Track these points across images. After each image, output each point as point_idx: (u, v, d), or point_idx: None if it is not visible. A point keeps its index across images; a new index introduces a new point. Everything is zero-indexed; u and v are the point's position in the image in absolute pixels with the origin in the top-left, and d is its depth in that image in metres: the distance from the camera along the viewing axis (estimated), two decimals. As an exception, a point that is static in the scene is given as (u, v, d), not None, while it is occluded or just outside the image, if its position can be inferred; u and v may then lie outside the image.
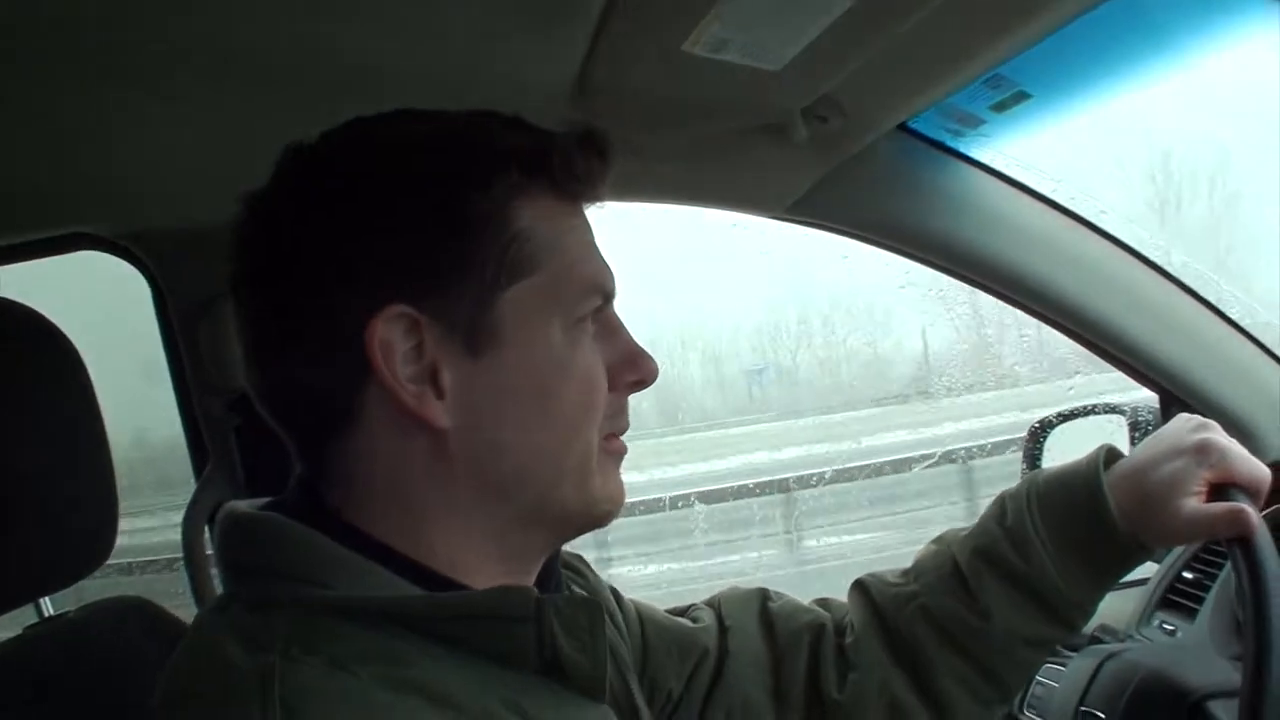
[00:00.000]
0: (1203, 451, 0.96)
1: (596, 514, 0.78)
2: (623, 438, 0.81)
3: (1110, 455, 1.01)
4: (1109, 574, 0.99)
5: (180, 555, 1.48)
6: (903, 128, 1.43)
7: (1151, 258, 1.56)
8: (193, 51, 0.98)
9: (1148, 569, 1.56)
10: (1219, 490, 0.95)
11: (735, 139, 1.29)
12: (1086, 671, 1.30)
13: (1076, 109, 1.41)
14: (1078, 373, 2.44)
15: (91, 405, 0.98)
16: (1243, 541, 0.92)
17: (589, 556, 1.03)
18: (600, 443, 0.77)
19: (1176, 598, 1.49)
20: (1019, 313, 1.59)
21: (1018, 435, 1.89)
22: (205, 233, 1.33)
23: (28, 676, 0.92)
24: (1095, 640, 1.47)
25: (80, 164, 1.22)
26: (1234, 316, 1.57)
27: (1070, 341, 1.60)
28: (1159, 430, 1.02)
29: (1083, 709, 1.27)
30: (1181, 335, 1.56)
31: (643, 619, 1.05)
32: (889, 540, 6.08)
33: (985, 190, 1.51)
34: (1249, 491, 0.94)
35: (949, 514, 6.07)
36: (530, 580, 0.78)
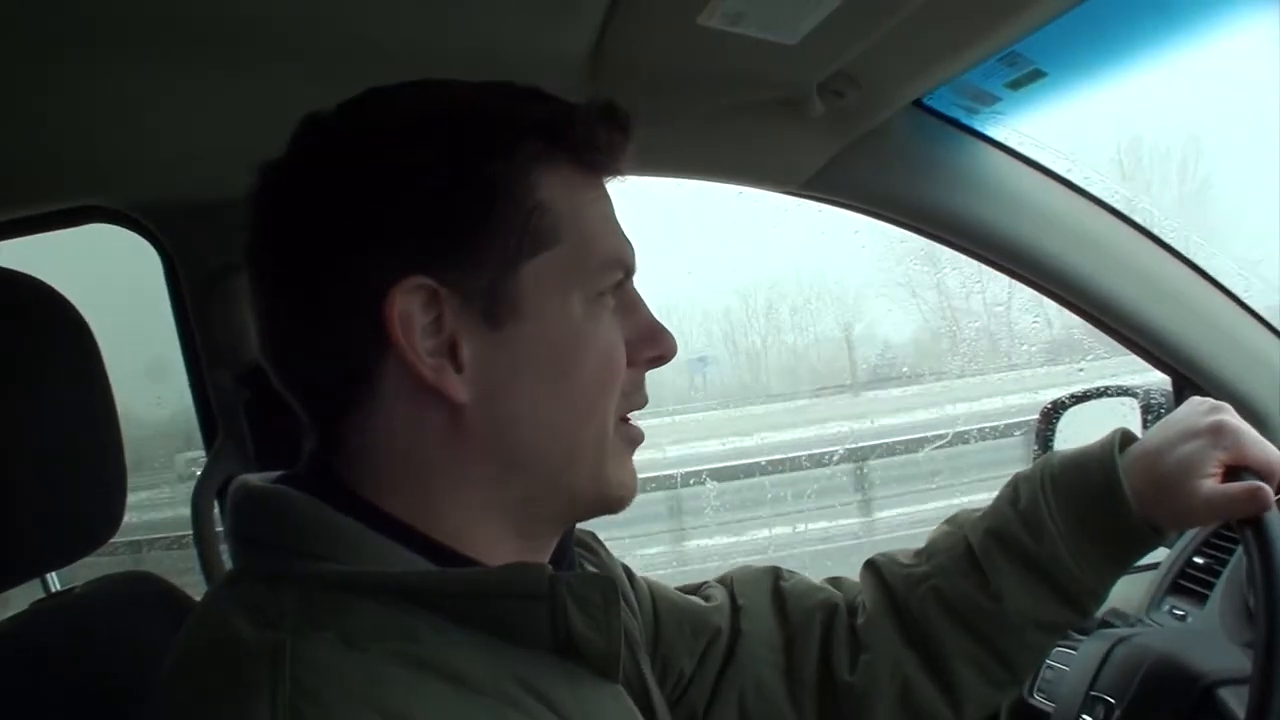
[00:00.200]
0: (1217, 433, 0.95)
1: (609, 498, 0.77)
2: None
3: (1125, 438, 1.01)
4: (1122, 558, 0.98)
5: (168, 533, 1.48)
6: (918, 104, 1.43)
7: (1167, 240, 1.55)
8: (206, 23, 0.97)
9: (1159, 554, 1.55)
10: (1232, 473, 0.94)
11: (750, 114, 1.29)
12: (1097, 656, 1.29)
13: (1092, 87, 1.41)
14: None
15: (101, 379, 0.97)
16: (1255, 525, 0.91)
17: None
18: (616, 425, 0.76)
19: (1187, 583, 1.48)
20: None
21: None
22: (218, 205, 1.34)
23: (35, 653, 0.92)
24: (1106, 624, 1.47)
25: (93, 137, 1.22)
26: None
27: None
28: (1172, 413, 1.01)
29: (1093, 693, 1.26)
30: (1196, 318, 1.55)
31: (655, 597, 1.05)
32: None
33: (999, 168, 1.50)
34: (1262, 475, 0.94)
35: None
36: (545, 557, 0.78)
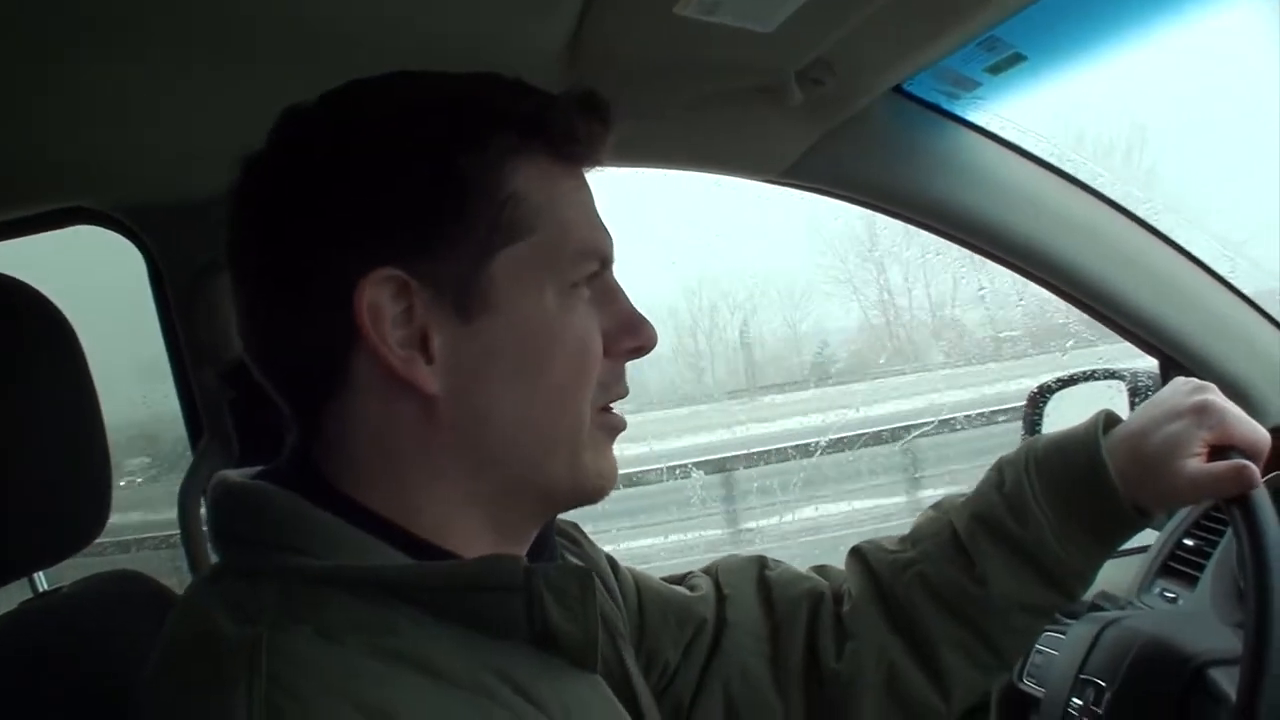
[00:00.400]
0: (1201, 413, 0.95)
1: (586, 489, 0.77)
2: None
3: (1109, 420, 1.01)
4: (1108, 540, 0.98)
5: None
6: (898, 90, 1.43)
7: (1150, 221, 1.55)
8: (187, 24, 0.97)
9: (1148, 536, 1.55)
10: (1218, 452, 0.94)
11: (729, 102, 1.29)
12: (1086, 639, 1.29)
13: (1072, 71, 1.41)
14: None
15: (85, 379, 0.97)
16: (1242, 504, 0.91)
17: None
18: (594, 415, 0.76)
19: (1177, 565, 1.48)
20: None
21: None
22: (201, 206, 1.34)
23: (25, 652, 0.92)
24: (1095, 608, 1.47)
25: (76, 138, 1.21)
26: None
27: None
28: (1156, 394, 1.01)
29: (1082, 676, 1.27)
30: (1181, 300, 1.56)
31: (640, 587, 1.04)
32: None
33: (981, 153, 1.50)
34: (1248, 454, 0.94)
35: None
36: (523, 550, 0.78)
